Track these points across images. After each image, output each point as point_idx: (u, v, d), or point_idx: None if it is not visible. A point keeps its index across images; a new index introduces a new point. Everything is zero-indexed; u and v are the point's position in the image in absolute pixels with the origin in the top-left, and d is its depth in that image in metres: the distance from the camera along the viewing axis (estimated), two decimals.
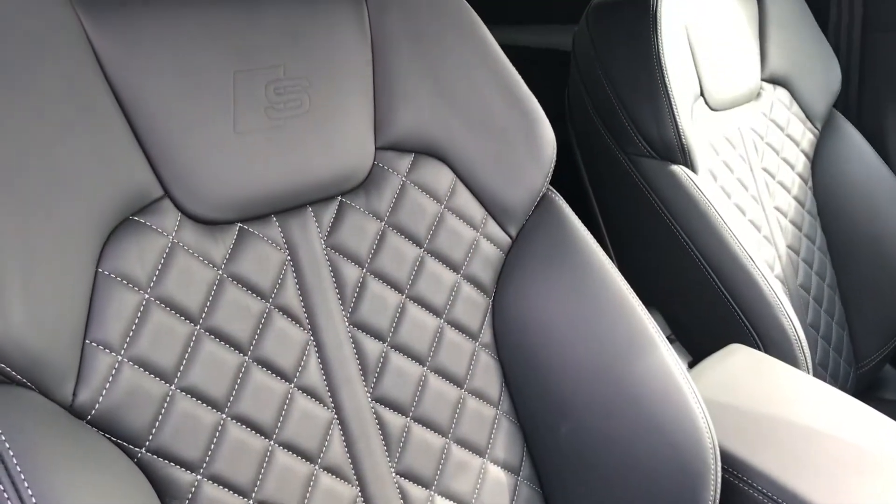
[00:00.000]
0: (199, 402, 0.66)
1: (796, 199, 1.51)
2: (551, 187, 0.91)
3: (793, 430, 0.92)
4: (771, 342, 1.19)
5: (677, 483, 0.81)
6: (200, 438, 0.65)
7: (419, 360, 0.81)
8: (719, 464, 0.83)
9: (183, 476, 0.64)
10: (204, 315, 0.68)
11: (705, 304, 1.26)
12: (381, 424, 0.77)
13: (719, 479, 0.83)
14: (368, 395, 0.77)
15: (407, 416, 0.79)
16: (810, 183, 1.55)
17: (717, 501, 0.82)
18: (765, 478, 0.86)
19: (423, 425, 0.80)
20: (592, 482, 0.84)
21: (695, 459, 0.81)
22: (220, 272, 0.70)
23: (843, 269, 1.54)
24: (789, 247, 1.46)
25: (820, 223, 1.54)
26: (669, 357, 0.85)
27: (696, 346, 1.35)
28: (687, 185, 1.24)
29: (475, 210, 0.87)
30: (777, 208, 1.47)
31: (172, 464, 0.63)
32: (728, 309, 1.22)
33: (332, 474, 0.73)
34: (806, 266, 1.48)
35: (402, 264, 0.81)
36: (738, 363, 1.07)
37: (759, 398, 0.99)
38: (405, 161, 0.83)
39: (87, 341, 0.61)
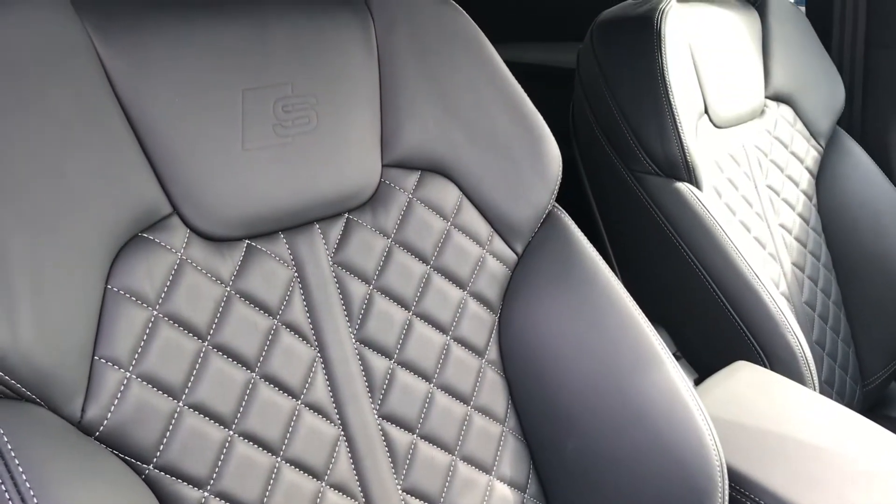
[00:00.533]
0: (207, 418, 0.66)
1: (801, 216, 1.51)
2: (557, 204, 0.92)
3: (799, 448, 0.92)
4: (777, 359, 1.19)
5: (684, 501, 0.81)
6: (208, 455, 0.65)
7: (426, 377, 0.81)
8: (727, 481, 0.83)
9: (190, 493, 0.64)
10: (212, 331, 0.68)
11: (711, 322, 1.26)
12: (388, 441, 0.77)
13: (727, 497, 0.82)
14: (375, 411, 0.77)
15: (413, 433, 0.79)
16: (815, 200, 1.55)
17: None
18: (771, 495, 0.86)
19: (429, 442, 0.80)
20: (599, 499, 0.84)
21: (702, 477, 0.81)
22: (228, 289, 0.70)
23: (849, 286, 1.54)
24: (794, 264, 1.46)
25: (825, 240, 1.54)
26: (676, 374, 0.85)
27: (702, 364, 1.35)
28: (692, 202, 1.24)
29: (481, 227, 0.87)
30: (782, 225, 1.47)
31: (180, 480, 0.63)
32: (734, 326, 1.22)
33: (339, 491, 0.73)
34: (811, 283, 1.48)
35: (409, 281, 0.82)
36: (744, 380, 1.07)
37: (766, 415, 0.98)
38: (412, 178, 0.83)
39: (95, 357, 0.61)
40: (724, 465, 0.83)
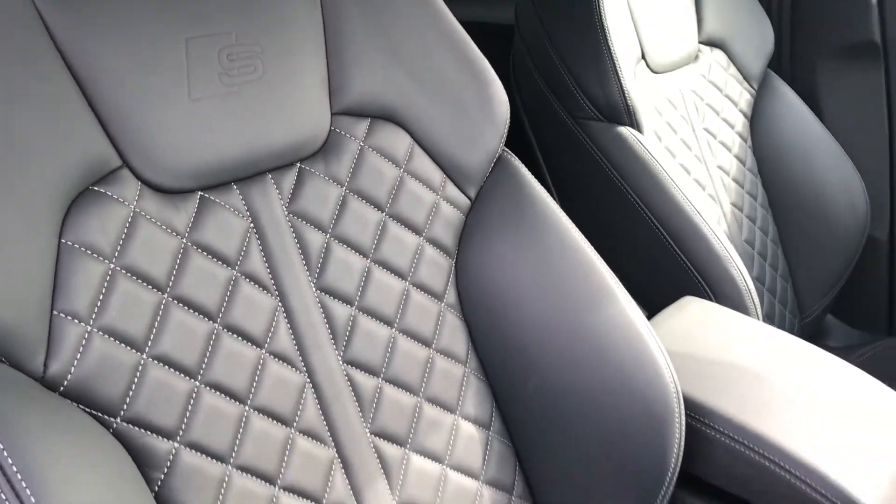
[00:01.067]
0: (172, 370, 0.65)
1: (737, 157, 1.55)
2: (506, 149, 0.92)
3: (749, 374, 0.95)
4: (722, 295, 1.23)
5: (644, 428, 0.84)
6: (175, 406, 0.65)
7: (387, 323, 0.82)
8: (683, 409, 0.85)
9: (160, 444, 0.63)
10: (171, 284, 0.67)
11: (657, 261, 1.28)
12: (354, 386, 0.78)
13: (683, 424, 0.85)
14: (339, 358, 0.78)
15: (378, 377, 0.80)
16: (750, 142, 1.59)
17: (682, 444, 0.85)
18: (726, 420, 0.89)
19: (394, 385, 0.81)
20: (562, 433, 0.86)
21: (660, 405, 0.84)
22: (184, 241, 0.69)
23: (785, 223, 1.59)
24: (733, 204, 1.50)
25: (761, 180, 1.59)
26: (630, 307, 0.88)
27: (650, 303, 1.37)
28: (634, 145, 1.26)
29: (434, 173, 0.87)
30: (720, 167, 1.50)
31: (149, 432, 0.63)
32: (679, 264, 1.25)
33: (309, 437, 0.74)
34: (750, 222, 1.52)
35: (365, 229, 0.82)
36: (692, 314, 1.09)
37: (716, 345, 1.01)
38: (362, 126, 0.83)
39: (54, 312, 0.60)
40: (681, 394, 0.86)
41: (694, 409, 0.90)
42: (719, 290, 1.22)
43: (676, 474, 0.85)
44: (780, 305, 1.54)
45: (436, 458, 0.82)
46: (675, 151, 1.40)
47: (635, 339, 0.86)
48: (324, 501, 0.73)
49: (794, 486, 0.83)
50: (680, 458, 0.85)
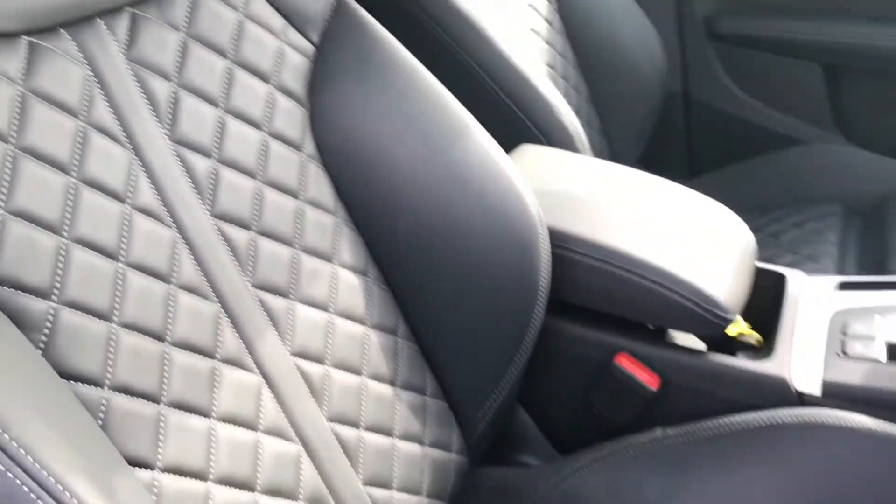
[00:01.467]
0: (33, 225, 0.59)
1: (546, 20, 1.59)
2: None
3: (598, 201, 1.00)
4: (556, 141, 1.27)
5: (513, 254, 0.86)
6: (44, 264, 0.59)
7: (250, 174, 0.78)
8: (546, 231, 0.88)
9: (36, 304, 0.58)
10: (14, 134, 0.60)
11: (491, 114, 1.28)
12: (227, 240, 0.74)
13: (549, 246, 0.88)
14: (208, 212, 0.73)
15: (250, 230, 0.76)
16: (555, 4, 1.64)
17: (550, 266, 0.88)
18: (584, 242, 0.93)
19: (268, 238, 0.77)
20: (434, 270, 0.87)
21: (525, 229, 0.87)
22: (21, 88, 0.62)
23: (595, 81, 1.66)
24: (548, 64, 1.54)
25: (569, 42, 1.64)
26: (486, 140, 0.89)
27: None
28: (455, 2, 1.26)
29: (273, 17, 0.83)
30: (533, 30, 1.54)
31: (21, 292, 0.57)
32: (513, 115, 1.28)
33: (190, 292, 0.69)
34: (564, 82, 1.58)
35: (212, 77, 0.77)
36: (533, 158, 1.13)
37: (562, 180, 1.05)
38: None
39: None
40: (543, 218, 0.89)
41: (554, 238, 0.94)
42: (553, 137, 1.26)
43: (546, 297, 0.89)
44: (600, 157, 1.62)
45: (321, 307, 0.80)
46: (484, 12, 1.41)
47: (495, 169, 0.88)
48: (216, 356, 0.70)
49: (652, 290, 0.90)
50: (549, 280, 0.88)
